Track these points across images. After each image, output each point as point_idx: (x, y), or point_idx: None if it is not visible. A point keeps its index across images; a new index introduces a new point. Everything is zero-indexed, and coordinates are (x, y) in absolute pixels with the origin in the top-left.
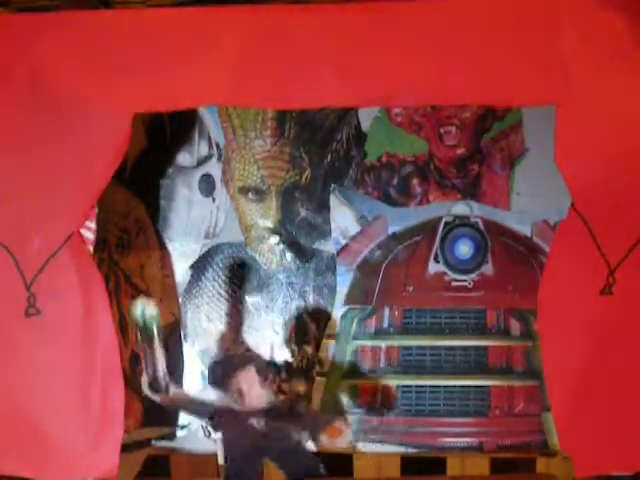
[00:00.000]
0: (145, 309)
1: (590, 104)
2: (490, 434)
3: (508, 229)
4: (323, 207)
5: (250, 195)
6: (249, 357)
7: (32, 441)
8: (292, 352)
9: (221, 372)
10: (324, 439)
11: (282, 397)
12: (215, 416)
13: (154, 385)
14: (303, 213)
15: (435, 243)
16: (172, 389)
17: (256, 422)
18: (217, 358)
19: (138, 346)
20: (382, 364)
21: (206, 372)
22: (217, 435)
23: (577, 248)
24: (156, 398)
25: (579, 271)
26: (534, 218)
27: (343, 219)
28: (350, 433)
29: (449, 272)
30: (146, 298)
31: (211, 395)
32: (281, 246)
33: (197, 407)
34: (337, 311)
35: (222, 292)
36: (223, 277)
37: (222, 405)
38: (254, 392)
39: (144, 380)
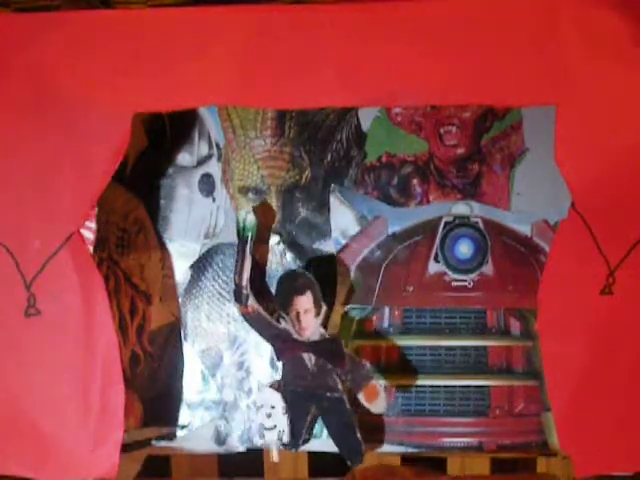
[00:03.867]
0: (248, 216)
1: (590, 104)
2: (490, 434)
3: (508, 229)
4: (323, 207)
5: (250, 195)
6: (309, 281)
7: (32, 441)
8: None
9: (282, 291)
10: (362, 399)
11: (325, 334)
12: (278, 342)
13: (236, 294)
14: (303, 213)
15: (435, 243)
16: (250, 301)
17: (307, 358)
18: (281, 275)
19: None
20: (382, 364)
21: (206, 372)
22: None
23: (577, 248)
24: (236, 308)
25: (579, 271)
26: (534, 218)
27: (343, 219)
28: (384, 400)
29: (449, 272)
30: (252, 209)
31: (274, 321)
32: (281, 246)
33: (265, 327)
34: (337, 311)
35: (222, 292)
36: (223, 277)
37: (285, 331)
38: (309, 320)
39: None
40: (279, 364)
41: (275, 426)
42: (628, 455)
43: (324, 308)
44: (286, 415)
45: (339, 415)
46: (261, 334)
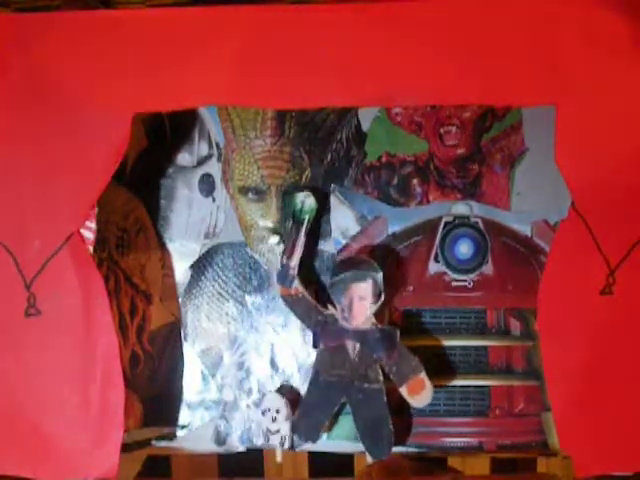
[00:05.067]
0: (307, 199)
1: (590, 104)
2: (490, 434)
3: (508, 229)
4: (323, 207)
5: (250, 195)
6: (373, 268)
7: (32, 441)
8: None
9: (340, 275)
10: (404, 391)
11: (378, 324)
12: (320, 328)
13: (281, 274)
14: None
15: (435, 243)
16: (296, 284)
17: (351, 347)
18: (341, 259)
19: (285, 232)
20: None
21: (206, 372)
22: (318, 345)
23: (577, 248)
24: (277, 288)
25: (579, 271)
26: (534, 218)
27: (343, 219)
28: (430, 393)
29: (449, 272)
30: (309, 192)
31: (319, 307)
32: (281, 246)
33: (308, 311)
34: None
35: (222, 292)
36: (223, 277)
37: (331, 317)
38: (362, 308)
39: (277, 269)
40: (282, 364)
41: (279, 430)
42: (628, 455)
43: (382, 298)
44: (288, 421)
45: (374, 407)
46: (302, 319)
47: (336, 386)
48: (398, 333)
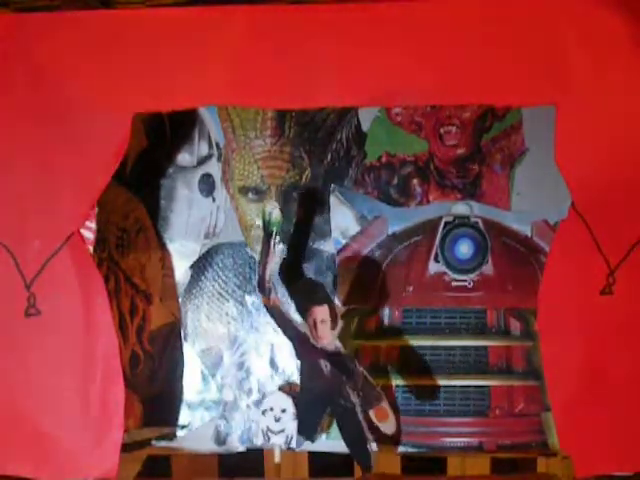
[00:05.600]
0: (274, 211)
1: (590, 104)
2: (490, 434)
3: (508, 229)
4: (323, 207)
5: (250, 195)
6: (327, 295)
7: (32, 441)
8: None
9: (300, 298)
10: (372, 416)
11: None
12: (296, 341)
13: (259, 285)
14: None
15: (435, 243)
16: (273, 296)
17: (323, 365)
18: (302, 281)
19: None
20: (382, 364)
21: (206, 372)
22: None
23: (577, 248)
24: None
25: (579, 271)
26: (534, 218)
27: (343, 219)
28: (394, 422)
29: (449, 272)
30: (275, 204)
31: (298, 319)
32: (281, 246)
33: (285, 323)
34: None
35: (222, 292)
36: (223, 277)
37: (303, 333)
38: (325, 330)
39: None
40: (282, 364)
41: (283, 430)
42: (628, 455)
43: (340, 323)
44: (296, 420)
45: (351, 423)
46: (282, 330)
47: (320, 396)
48: (355, 361)
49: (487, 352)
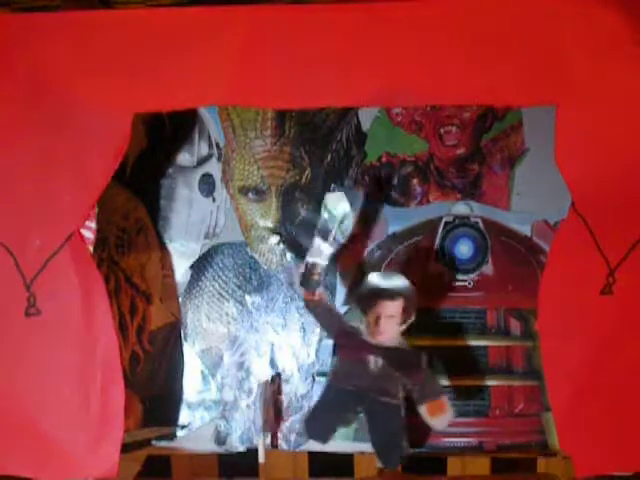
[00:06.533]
0: (339, 203)
1: (590, 104)
2: (490, 434)
3: (508, 229)
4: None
5: (250, 195)
6: (405, 287)
7: (32, 441)
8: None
9: (369, 292)
10: (423, 411)
11: (405, 344)
12: (341, 337)
13: (305, 277)
14: (303, 213)
15: (435, 243)
16: (320, 290)
17: (373, 361)
18: (372, 272)
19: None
20: None
21: (206, 372)
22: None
23: (577, 248)
24: (301, 292)
25: (579, 271)
26: (534, 218)
27: None
28: (449, 417)
29: (449, 272)
30: (342, 194)
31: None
32: (281, 246)
33: (330, 319)
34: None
35: (222, 292)
36: (223, 277)
37: (350, 329)
38: (389, 326)
39: (300, 272)
40: (282, 364)
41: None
42: (628, 455)
43: (412, 318)
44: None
45: (390, 421)
46: (323, 325)
47: (352, 395)
48: (426, 358)
49: (487, 352)
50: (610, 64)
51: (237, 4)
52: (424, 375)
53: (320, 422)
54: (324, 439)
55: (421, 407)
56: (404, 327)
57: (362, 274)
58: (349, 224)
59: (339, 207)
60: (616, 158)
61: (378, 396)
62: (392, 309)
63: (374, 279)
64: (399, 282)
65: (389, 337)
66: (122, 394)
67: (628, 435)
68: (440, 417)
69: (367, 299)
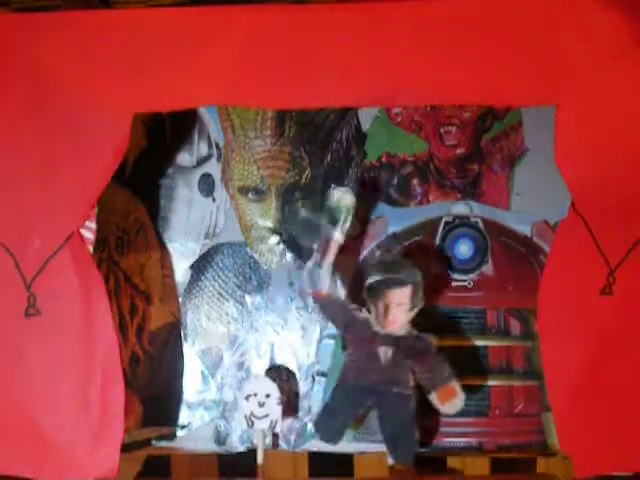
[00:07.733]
0: (345, 195)
1: (590, 104)
2: (490, 434)
3: (508, 229)
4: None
5: (250, 195)
6: (413, 274)
7: (32, 441)
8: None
9: (377, 280)
10: (434, 398)
11: (414, 330)
12: (351, 332)
13: (313, 274)
14: (303, 213)
15: (435, 243)
16: (326, 284)
17: (383, 353)
18: (378, 261)
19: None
20: None
21: (206, 372)
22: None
23: (577, 248)
24: (308, 287)
25: (579, 271)
26: (534, 218)
27: None
28: (461, 401)
29: (449, 272)
30: (346, 188)
31: (352, 306)
32: (281, 246)
33: (339, 313)
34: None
35: (222, 292)
36: (223, 277)
37: (362, 320)
38: (398, 314)
39: (307, 267)
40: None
41: (267, 415)
42: (628, 455)
43: (420, 304)
44: (280, 405)
45: (402, 411)
46: (331, 320)
47: (364, 389)
48: (435, 343)
49: (487, 352)
50: (610, 64)
51: (237, 4)
52: (434, 360)
53: (331, 423)
54: (335, 440)
55: (432, 394)
56: (413, 313)
57: (362, 274)
58: (351, 219)
59: (344, 199)
60: (616, 158)
61: (390, 387)
62: (401, 296)
63: (380, 266)
64: (406, 268)
65: (399, 325)
66: (122, 394)
67: (628, 435)
68: (452, 402)
69: (375, 289)
